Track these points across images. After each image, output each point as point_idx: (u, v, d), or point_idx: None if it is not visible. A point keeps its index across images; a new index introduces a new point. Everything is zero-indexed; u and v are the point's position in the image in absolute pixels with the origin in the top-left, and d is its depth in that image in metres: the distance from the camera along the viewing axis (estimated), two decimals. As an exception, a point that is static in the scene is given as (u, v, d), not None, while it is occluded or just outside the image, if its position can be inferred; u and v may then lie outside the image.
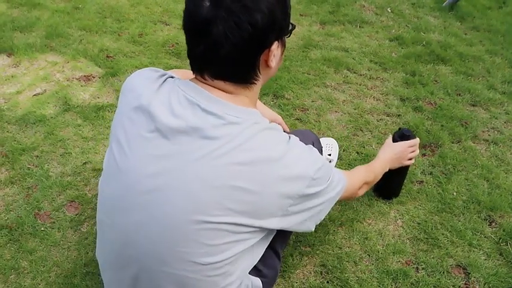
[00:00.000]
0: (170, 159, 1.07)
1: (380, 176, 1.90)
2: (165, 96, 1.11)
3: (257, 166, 1.05)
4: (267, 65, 1.12)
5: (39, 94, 2.96)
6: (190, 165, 1.05)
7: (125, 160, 1.11)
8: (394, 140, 2.08)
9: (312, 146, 1.24)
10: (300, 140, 1.20)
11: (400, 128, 2.14)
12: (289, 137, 1.16)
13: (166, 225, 1.09)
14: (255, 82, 1.13)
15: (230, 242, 1.11)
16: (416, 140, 2.08)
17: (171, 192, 1.07)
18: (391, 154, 1.99)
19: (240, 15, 0.99)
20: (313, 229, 1.28)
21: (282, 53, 1.17)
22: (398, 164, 2.03)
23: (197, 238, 1.08)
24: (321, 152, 1.75)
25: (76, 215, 2.20)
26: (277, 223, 1.14)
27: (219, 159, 1.04)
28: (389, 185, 2.32)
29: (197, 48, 1.06)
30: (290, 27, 1.16)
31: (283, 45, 1.16)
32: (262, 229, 1.14)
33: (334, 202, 1.33)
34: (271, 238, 1.34)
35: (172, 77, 1.20)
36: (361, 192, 1.70)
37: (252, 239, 1.15)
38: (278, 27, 1.07)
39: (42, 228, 2.13)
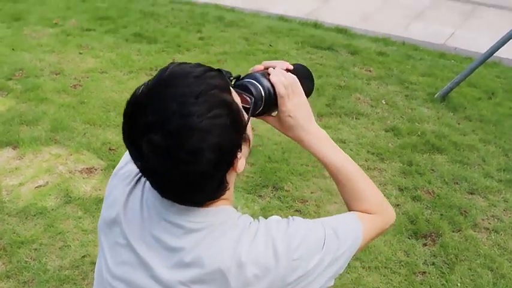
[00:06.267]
0: (136, 271, 1.06)
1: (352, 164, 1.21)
2: (134, 204, 1.09)
3: (216, 274, 0.99)
4: (235, 171, 1.03)
5: (41, 186, 2.99)
6: (156, 275, 1.03)
7: (106, 268, 1.11)
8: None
9: (290, 219, 1.06)
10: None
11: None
12: (254, 222, 1.04)
13: None
14: (225, 192, 1.04)
15: None
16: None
17: None
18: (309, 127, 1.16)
19: (188, 168, 0.91)
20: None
21: (248, 147, 1.06)
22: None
23: None
24: None
25: (72, 310, 2.15)
26: None
27: (181, 272, 1.01)
28: None
29: (152, 185, 1.00)
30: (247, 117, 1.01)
31: (248, 143, 1.04)
32: None
33: (351, 254, 1.12)
34: None
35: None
36: (388, 209, 1.25)
37: None
38: (235, 149, 0.97)
39: (37, 325, 2.07)
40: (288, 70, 1.17)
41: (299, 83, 1.14)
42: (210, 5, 6.76)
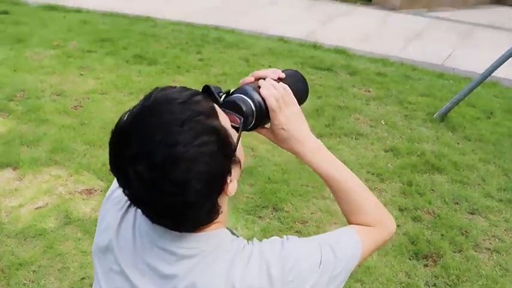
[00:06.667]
0: None
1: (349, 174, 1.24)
2: (127, 231, 1.07)
3: None
4: (227, 195, 0.98)
5: (40, 207, 2.98)
6: None
7: None
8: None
9: (286, 239, 1.04)
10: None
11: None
12: (247, 245, 1.01)
13: None
14: (218, 216, 1.00)
15: None
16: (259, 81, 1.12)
17: None
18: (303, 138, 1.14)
19: (174, 199, 0.89)
20: None
21: (240, 168, 1.01)
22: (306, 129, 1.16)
23: None
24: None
25: (70, 334, 2.13)
26: None
27: None
28: None
29: (143, 212, 0.97)
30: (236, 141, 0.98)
31: (239, 164, 1.00)
32: None
33: (349, 271, 1.09)
34: None
35: None
36: (390, 220, 1.23)
37: None
38: (225, 175, 0.93)
39: None
40: (279, 79, 1.13)
41: (291, 93, 1.10)
42: (210, 27, 6.84)
